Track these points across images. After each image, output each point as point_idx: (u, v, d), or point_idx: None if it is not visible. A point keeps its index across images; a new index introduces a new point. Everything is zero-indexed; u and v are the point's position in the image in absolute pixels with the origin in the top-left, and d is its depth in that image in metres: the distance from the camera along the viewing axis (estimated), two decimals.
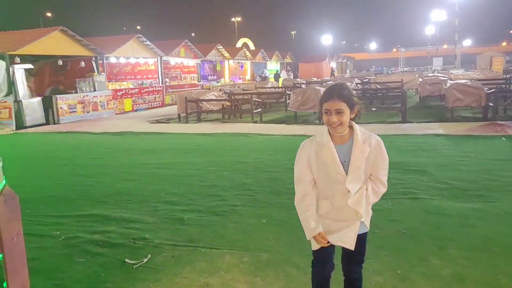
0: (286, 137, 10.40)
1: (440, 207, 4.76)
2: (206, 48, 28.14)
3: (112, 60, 19.89)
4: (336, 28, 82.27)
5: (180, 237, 4.19)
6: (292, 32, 79.76)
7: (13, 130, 13.85)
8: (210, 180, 6.39)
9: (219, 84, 27.99)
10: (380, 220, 4.30)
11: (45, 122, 15.16)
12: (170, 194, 5.72)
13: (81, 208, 5.24)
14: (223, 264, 3.59)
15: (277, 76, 33.19)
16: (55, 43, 16.02)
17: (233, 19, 61.99)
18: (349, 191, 2.30)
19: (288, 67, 43.37)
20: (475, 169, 6.39)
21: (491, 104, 12.11)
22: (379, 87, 19.16)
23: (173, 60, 24.12)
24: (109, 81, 19.78)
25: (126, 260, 3.73)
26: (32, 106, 14.86)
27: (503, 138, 9.00)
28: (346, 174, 2.29)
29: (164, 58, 22.66)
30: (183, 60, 25.12)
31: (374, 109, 14.36)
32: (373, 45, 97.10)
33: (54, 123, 15.26)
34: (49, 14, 59.11)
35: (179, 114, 15.19)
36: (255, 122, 13.73)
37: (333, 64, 48.99)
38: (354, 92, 2.36)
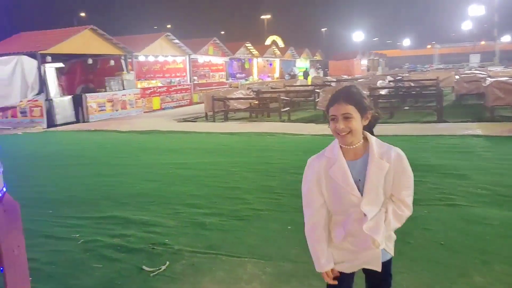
0: (315, 137, 10.06)
1: (482, 216, 4.37)
2: (234, 46, 28.08)
3: (141, 58, 20.04)
4: (368, 25, 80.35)
5: (200, 243, 4.02)
6: (323, 29, 78.54)
7: (44, 128, 14.12)
8: (234, 182, 6.19)
9: (247, 82, 27.83)
10: (414, 229, 3.96)
11: (75, 120, 15.42)
12: (192, 196, 5.55)
13: (103, 210, 5.16)
14: (245, 274, 3.39)
15: (306, 74, 32.71)
16: (85, 42, 16.25)
17: (262, 16, 61.68)
18: (365, 215, 1.94)
19: (318, 64, 42.78)
20: None
21: None
22: (412, 84, 18.50)
23: (201, 58, 24.12)
24: (138, 80, 19.93)
25: (144, 267, 3.58)
26: (63, 104, 15.13)
27: None
28: (361, 195, 1.94)
29: (193, 56, 22.70)
30: (211, 58, 25.10)
31: (407, 108, 13.85)
32: (406, 42, 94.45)
33: (84, 121, 15.49)
34: (82, 14, 60.58)
35: (206, 113, 15.13)
36: (283, 121, 13.48)
37: (364, 62, 48.01)
38: (365, 94, 2.01)
